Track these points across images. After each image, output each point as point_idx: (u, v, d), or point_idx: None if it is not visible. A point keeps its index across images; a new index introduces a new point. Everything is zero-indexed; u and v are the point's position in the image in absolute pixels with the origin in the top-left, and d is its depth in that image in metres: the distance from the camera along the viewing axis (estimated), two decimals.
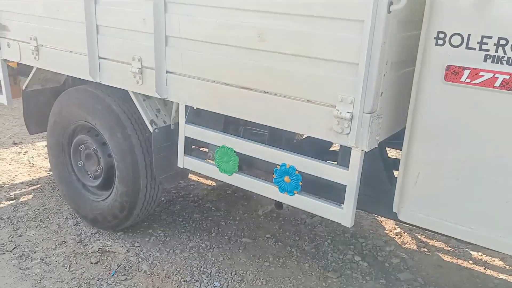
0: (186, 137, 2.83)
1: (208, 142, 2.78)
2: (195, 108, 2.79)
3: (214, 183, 4.60)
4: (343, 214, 2.28)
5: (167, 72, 2.70)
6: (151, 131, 2.99)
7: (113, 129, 3.13)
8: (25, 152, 5.17)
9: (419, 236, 3.78)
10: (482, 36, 1.80)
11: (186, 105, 2.75)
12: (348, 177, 2.19)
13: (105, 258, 3.25)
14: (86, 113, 3.28)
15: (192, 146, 2.99)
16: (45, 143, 5.41)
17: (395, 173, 2.73)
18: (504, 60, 1.79)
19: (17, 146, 5.35)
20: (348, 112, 2.05)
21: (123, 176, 3.19)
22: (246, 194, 4.36)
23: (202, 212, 3.99)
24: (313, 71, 2.15)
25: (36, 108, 3.84)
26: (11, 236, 3.47)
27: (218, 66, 2.49)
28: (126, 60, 2.85)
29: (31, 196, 4.13)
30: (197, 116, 2.86)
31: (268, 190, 2.55)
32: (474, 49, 1.83)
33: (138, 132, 3.12)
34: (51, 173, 4.62)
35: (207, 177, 4.69)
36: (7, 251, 3.29)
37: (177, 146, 2.93)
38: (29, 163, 4.88)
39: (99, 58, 3.00)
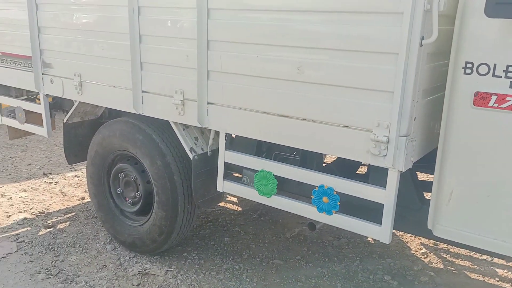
0: (225, 163, 3.02)
1: (246, 167, 2.97)
2: (233, 136, 2.99)
3: (240, 208, 4.76)
4: (382, 232, 2.43)
5: (208, 103, 2.92)
6: (191, 158, 3.19)
7: (153, 157, 3.34)
8: (56, 182, 5.37)
9: (444, 256, 3.89)
10: (507, 65, 2.01)
11: (225, 133, 2.95)
12: (386, 196, 2.36)
13: (146, 280, 3.40)
14: (127, 143, 3.48)
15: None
16: (74, 173, 5.64)
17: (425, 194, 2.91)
18: None
19: (48, 176, 5.56)
20: (384, 136, 2.24)
21: (163, 201, 3.37)
22: (272, 218, 4.52)
23: (232, 236, 4.14)
24: (350, 99, 2.35)
25: (76, 139, 4.07)
26: (54, 262, 3.63)
27: (258, 97, 2.70)
28: (169, 93, 3.08)
29: (67, 223, 4.31)
30: (230, 143, 3.05)
31: (306, 210, 2.72)
32: (500, 76, 2.04)
33: (176, 160, 3.32)
34: (83, 201, 4.82)
35: (233, 203, 4.87)
36: (52, 275, 3.45)
37: (214, 171, 3.13)
38: (61, 192, 5.07)
39: (142, 92, 3.23)
